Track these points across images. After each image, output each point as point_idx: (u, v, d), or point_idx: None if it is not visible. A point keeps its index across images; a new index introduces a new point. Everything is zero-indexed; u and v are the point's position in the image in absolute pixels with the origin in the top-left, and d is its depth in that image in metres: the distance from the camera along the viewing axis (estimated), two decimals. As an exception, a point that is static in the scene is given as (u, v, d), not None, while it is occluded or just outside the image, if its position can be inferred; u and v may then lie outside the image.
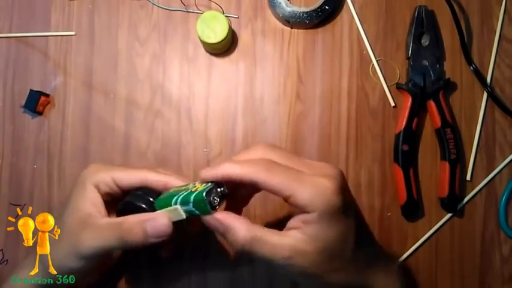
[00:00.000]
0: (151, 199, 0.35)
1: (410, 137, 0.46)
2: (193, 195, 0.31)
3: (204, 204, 0.31)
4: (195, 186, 0.33)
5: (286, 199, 0.32)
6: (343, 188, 0.33)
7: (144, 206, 0.35)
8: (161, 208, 0.34)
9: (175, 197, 0.33)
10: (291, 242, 0.32)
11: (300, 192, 0.31)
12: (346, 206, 0.32)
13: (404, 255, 0.46)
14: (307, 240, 0.32)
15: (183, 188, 0.34)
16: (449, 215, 0.47)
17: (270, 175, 0.31)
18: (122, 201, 0.37)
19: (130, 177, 0.37)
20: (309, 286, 0.37)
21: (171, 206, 0.33)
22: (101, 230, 0.35)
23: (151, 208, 0.35)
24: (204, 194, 0.31)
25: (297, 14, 0.47)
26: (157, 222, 0.34)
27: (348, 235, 0.34)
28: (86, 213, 0.36)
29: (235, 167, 0.32)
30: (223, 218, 0.32)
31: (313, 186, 0.31)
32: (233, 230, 0.32)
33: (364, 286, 0.36)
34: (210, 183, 0.32)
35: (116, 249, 0.40)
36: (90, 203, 0.37)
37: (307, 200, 0.31)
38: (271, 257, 0.32)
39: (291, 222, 0.33)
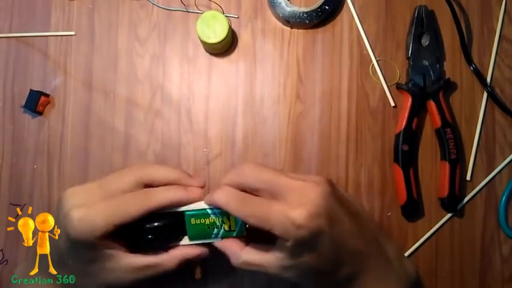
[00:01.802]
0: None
1: (410, 137, 0.46)
2: (236, 233, 0.38)
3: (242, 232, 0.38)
4: (219, 220, 0.38)
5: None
6: (320, 212, 0.34)
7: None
8: (196, 238, 0.38)
9: (213, 233, 0.38)
10: (277, 261, 0.35)
11: (274, 227, 0.34)
12: (324, 228, 0.34)
13: (405, 255, 0.46)
14: (291, 258, 0.35)
15: (207, 221, 0.38)
16: (449, 215, 0.47)
17: (246, 213, 0.35)
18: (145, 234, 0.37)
19: (131, 215, 0.36)
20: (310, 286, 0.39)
21: (209, 238, 0.38)
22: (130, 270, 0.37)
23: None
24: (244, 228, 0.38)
25: (297, 14, 0.47)
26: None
27: (335, 247, 0.35)
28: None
29: (220, 199, 0.35)
30: (220, 246, 0.38)
31: (284, 222, 0.34)
32: (228, 255, 0.37)
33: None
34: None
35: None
36: (104, 251, 0.36)
37: (280, 233, 0.34)
38: (264, 272, 0.36)
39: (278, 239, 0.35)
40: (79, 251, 0.36)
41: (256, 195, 0.36)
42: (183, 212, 0.38)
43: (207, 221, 0.37)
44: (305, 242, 0.34)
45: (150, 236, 0.37)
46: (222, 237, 0.38)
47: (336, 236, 0.35)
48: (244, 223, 0.37)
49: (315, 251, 0.35)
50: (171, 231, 0.38)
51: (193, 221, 0.37)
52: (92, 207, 0.35)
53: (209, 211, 0.37)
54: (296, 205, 0.34)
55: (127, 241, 0.37)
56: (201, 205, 0.38)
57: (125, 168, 0.39)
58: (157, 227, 0.37)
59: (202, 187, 0.39)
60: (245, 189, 0.36)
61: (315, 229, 0.33)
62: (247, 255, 0.37)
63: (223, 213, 0.37)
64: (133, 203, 0.36)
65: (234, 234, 0.38)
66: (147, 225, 0.37)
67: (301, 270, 0.36)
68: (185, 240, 0.39)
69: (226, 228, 0.38)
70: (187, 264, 0.39)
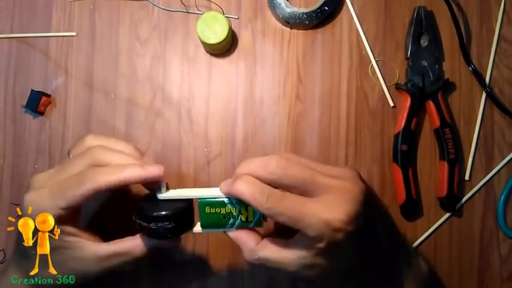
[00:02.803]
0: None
1: (409, 137, 0.47)
2: (253, 224, 0.36)
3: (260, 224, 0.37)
4: (236, 210, 0.36)
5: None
6: (358, 215, 0.33)
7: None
8: (209, 227, 0.36)
9: (228, 223, 0.36)
10: (298, 259, 0.34)
11: (307, 227, 0.32)
12: (356, 233, 0.33)
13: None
14: (316, 257, 0.33)
15: (223, 210, 0.36)
16: (448, 214, 0.47)
17: (277, 211, 0.32)
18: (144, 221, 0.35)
19: (76, 196, 0.34)
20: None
21: (224, 228, 0.36)
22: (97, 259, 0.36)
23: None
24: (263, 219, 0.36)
25: (297, 15, 0.48)
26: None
27: (357, 253, 0.35)
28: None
29: (244, 192, 0.33)
30: (234, 237, 0.36)
31: (319, 223, 0.32)
32: (242, 249, 0.36)
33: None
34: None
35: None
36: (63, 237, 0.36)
37: (314, 235, 0.32)
38: (280, 270, 0.34)
39: (300, 236, 0.34)
40: None
41: (281, 189, 0.34)
42: (196, 199, 0.36)
43: (223, 211, 0.35)
44: (339, 244, 0.32)
45: (155, 225, 0.34)
46: (237, 228, 0.36)
47: (368, 235, 0.35)
48: (263, 215, 0.36)
49: (347, 252, 0.34)
50: (181, 220, 0.35)
51: (207, 209, 0.35)
52: (40, 190, 0.35)
53: (226, 200, 0.35)
54: (333, 207, 0.32)
55: (140, 230, 0.36)
56: (215, 192, 0.36)
57: (81, 152, 0.37)
58: (164, 216, 0.34)
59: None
60: (270, 183, 0.34)
61: (352, 232, 0.32)
62: (264, 251, 0.35)
63: (241, 203, 0.35)
64: (77, 183, 0.34)
65: (251, 226, 0.36)
66: (154, 214, 0.34)
67: (327, 270, 0.34)
68: (197, 228, 0.37)
69: (243, 219, 0.36)
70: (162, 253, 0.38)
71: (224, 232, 0.37)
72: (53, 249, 0.36)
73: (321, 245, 0.32)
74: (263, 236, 0.37)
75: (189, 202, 0.36)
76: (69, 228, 0.36)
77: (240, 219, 0.36)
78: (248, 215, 0.36)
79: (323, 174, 0.34)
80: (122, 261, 0.37)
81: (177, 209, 0.35)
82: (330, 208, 0.32)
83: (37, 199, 0.35)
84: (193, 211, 0.37)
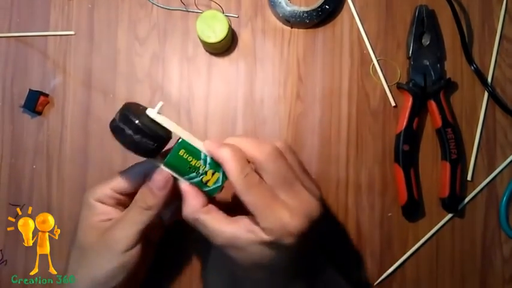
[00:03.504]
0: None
1: (411, 137, 0.46)
2: (208, 190, 0.36)
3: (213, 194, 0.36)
4: (203, 169, 0.35)
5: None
6: (306, 233, 0.33)
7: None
8: (171, 167, 0.35)
9: (189, 175, 0.35)
10: (233, 237, 0.34)
11: (265, 219, 0.32)
12: (297, 246, 0.33)
13: (405, 256, 0.46)
14: (246, 243, 0.33)
15: (193, 162, 0.35)
16: (450, 215, 0.47)
17: (247, 193, 0.33)
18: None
19: (128, 182, 0.37)
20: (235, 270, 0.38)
21: (182, 176, 0.35)
22: (125, 222, 0.36)
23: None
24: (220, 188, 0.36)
25: (297, 14, 0.47)
26: (157, 180, 0.35)
27: (286, 260, 0.35)
28: (102, 222, 0.36)
29: (228, 161, 0.33)
30: (185, 190, 0.35)
31: (277, 221, 0.32)
32: (185, 205, 0.35)
33: None
34: (220, 176, 0.35)
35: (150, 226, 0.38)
36: (101, 214, 0.37)
37: (267, 228, 0.32)
38: (210, 239, 0.34)
39: (244, 220, 0.34)
40: (80, 219, 0.37)
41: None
42: (173, 138, 0.35)
43: (193, 162, 0.35)
44: (281, 247, 0.33)
45: (139, 138, 0.33)
46: (192, 184, 0.35)
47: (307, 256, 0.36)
48: (220, 187, 0.36)
49: (282, 257, 0.34)
50: (159, 147, 0.34)
51: (181, 152, 0.35)
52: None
53: (202, 155, 0.35)
54: (295, 215, 0.33)
55: (115, 133, 0.35)
56: (197, 144, 0.35)
57: None
58: (150, 135, 0.33)
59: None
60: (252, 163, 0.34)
61: (301, 241, 0.33)
62: (205, 216, 0.34)
63: (214, 167, 0.35)
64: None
65: (205, 190, 0.36)
66: (140, 125, 0.33)
67: (253, 261, 0.34)
68: (158, 162, 0.35)
69: (204, 180, 0.35)
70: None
71: (176, 180, 0.36)
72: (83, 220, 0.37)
73: (265, 238, 0.33)
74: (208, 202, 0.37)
75: (169, 135, 0.35)
76: (105, 207, 0.37)
77: (201, 178, 0.35)
78: (211, 179, 0.35)
79: (301, 181, 0.35)
80: (137, 221, 0.36)
81: (160, 136, 0.34)
82: (292, 214, 0.33)
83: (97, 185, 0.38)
84: (162, 144, 0.35)
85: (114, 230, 0.35)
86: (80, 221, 0.37)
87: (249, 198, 0.33)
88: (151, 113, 0.34)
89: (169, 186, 0.35)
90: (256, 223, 0.33)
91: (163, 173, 0.35)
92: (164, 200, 0.35)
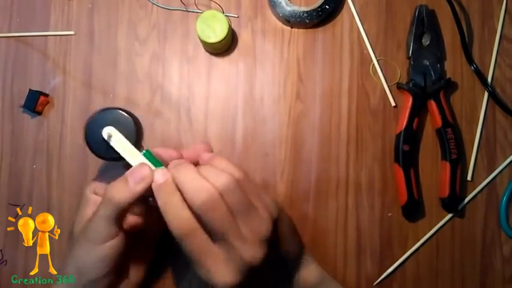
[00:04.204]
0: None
1: (411, 137, 0.46)
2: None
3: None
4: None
5: None
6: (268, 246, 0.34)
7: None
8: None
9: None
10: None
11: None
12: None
13: (405, 256, 0.46)
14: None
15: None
16: (450, 215, 0.47)
17: (183, 244, 0.33)
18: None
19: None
20: None
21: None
22: (96, 215, 0.35)
23: None
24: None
25: (297, 14, 0.47)
26: (137, 171, 0.35)
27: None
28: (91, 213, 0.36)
29: (159, 192, 0.34)
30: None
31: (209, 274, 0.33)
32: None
33: None
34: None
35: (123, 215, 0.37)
36: (93, 205, 0.37)
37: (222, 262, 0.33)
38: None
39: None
40: (79, 211, 0.38)
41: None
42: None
43: None
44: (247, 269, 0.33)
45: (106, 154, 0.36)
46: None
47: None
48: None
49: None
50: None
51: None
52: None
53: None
54: (224, 268, 0.33)
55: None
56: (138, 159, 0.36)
57: None
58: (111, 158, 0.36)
59: None
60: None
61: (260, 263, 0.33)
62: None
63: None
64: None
65: None
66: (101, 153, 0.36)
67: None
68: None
69: None
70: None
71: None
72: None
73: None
74: None
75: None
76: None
77: None
78: None
79: (238, 229, 0.33)
80: (106, 212, 0.35)
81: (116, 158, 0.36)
82: (244, 241, 0.33)
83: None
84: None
85: (90, 223, 0.35)
86: (77, 213, 0.38)
87: (185, 249, 0.33)
88: (112, 142, 0.36)
89: (147, 181, 0.34)
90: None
91: (141, 168, 0.35)
92: (133, 196, 0.34)
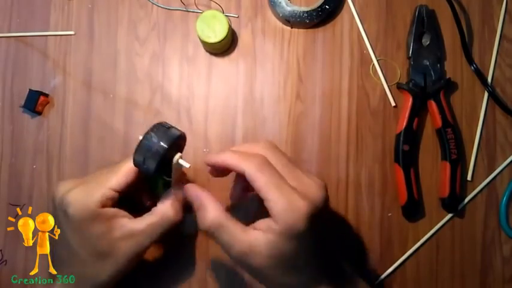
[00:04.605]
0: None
1: (411, 137, 0.46)
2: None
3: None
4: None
5: (262, 201, 0.33)
6: (316, 215, 0.33)
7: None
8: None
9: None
10: (251, 240, 0.33)
11: (274, 201, 0.33)
12: (311, 231, 0.33)
13: (405, 256, 0.46)
14: (266, 244, 0.33)
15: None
16: (450, 215, 0.47)
17: (258, 174, 0.33)
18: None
19: (123, 180, 0.37)
20: (260, 283, 0.38)
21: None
22: (145, 232, 0.36)
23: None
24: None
25: (297, 14, 0.47)
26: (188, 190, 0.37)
27: (306, 252, 0.35)
28: (116, 228, 0.36)
29: (233, 157, 0.35)
30: (199, 194, 0.36)
31: (288, 202, 0.33)
32: (205, 210, 0.35)
33: None
34: None
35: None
36: (106, 221, 0.36)
37: (277, 212, 0.33)
38: (229, 247, 0.34)
39: (260, 223, 0.34)
40: (84, 229, 0.35)
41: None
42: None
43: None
44: (295, 233, 0.33)
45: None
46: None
47: (309, 246, 0.35)
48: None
49: (292, 246, 0.33)
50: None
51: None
52: (83, 182, 0.37)
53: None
54: (302, 196, 0.33)
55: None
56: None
57: None
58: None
59: None
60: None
61: (309, 228, 0.33)
62: (225, 220, 0.34)
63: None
64: (117, 167, 0.37)
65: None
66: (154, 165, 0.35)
67: (262, 262, 0.34)
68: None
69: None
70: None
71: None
72: (99, 236, 0.36)
73: (280, 228, 0.33)
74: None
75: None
76: (112, 210, 0.37)
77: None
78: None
79: (300, 170, 0.35)
80: (159, 231, 0.37)
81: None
82: (300, 197, 0.33)
83: (82, 187, 0.36)
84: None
85: (124, 244, 0.36)
86: (79, 228, 0.36)
87: (260, 181, 0.33)
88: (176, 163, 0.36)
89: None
90: (269, 219, 0.33)
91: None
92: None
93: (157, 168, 0.34)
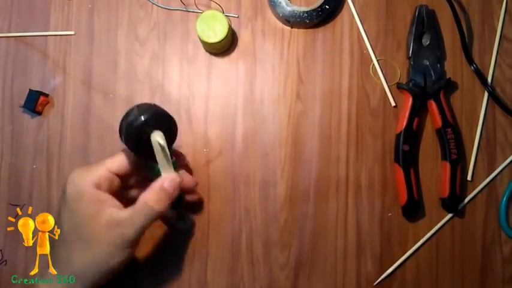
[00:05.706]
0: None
1: (411, 137, 0.46)
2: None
3: None
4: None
5: None
6: None
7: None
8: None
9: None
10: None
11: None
12: None
13: (405, 256, 0.46)
14: None
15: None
16: (450, 215, 0.47)
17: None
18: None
19: (121, 161, 0.38)
20: None
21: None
22: (129, 221, 0.36)
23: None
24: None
25: (297, 14, 0.47)
26: (173, 180, 0.37)
27: None
28: (103, 214, 0.36)
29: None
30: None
31: None
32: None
33: None
34: None
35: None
36: (96, 203, 0.36)
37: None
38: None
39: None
40: (74, 208, 0.36)
41: None
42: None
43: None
44: None
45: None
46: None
47: None
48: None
49: None
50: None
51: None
52: (89, 165, 0.39)
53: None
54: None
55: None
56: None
57: None
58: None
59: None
60: None
61: None
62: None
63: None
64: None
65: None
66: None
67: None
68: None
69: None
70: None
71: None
72: (91, 216, 0.36)
73: None
74: None
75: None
76: (105, 195, 0.37)
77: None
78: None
79: None
80: (142, 220, 0.36)
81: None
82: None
83: (85, 168, 0.38)
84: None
85: (119, 227, 0.36)
86: (68, 207, 0.36)
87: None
88: (154, 141, 0.36)
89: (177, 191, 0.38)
90: None
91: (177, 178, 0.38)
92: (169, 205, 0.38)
93: (136, 144, 0.35)
